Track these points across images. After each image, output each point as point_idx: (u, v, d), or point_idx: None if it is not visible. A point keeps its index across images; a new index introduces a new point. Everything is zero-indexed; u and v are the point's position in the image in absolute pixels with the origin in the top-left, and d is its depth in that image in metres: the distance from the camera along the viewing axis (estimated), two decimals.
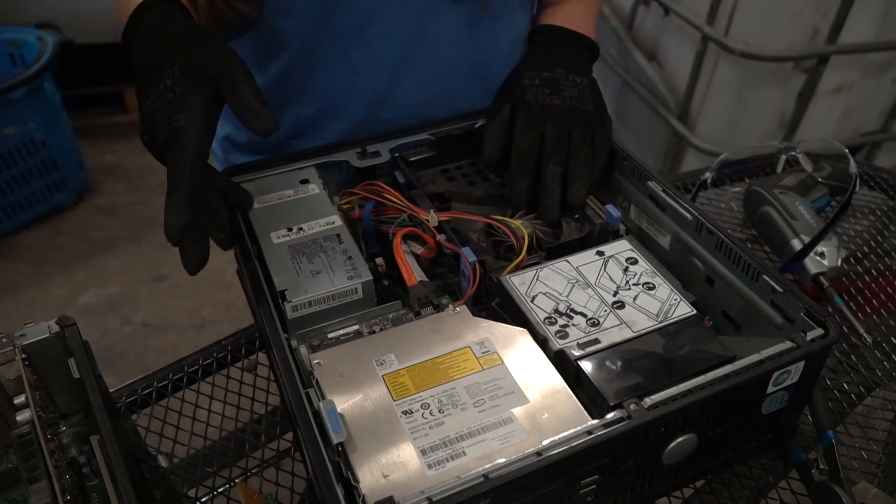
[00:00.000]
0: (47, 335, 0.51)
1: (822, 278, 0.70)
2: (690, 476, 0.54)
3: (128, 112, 2.80)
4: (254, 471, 0.56)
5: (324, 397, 0.47)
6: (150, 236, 2.27)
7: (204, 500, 0.54)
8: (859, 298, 0.72)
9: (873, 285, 0.73)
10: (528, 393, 0.48)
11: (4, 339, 0.51)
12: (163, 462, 0.54)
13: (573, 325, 0.52)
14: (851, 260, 0.76)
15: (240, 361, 0.64)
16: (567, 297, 0.54)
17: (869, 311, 0.71)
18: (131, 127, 2.77)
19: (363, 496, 0.42)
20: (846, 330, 0.68)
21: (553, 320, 0.52)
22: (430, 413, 0.47)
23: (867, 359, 0.66)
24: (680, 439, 0.48)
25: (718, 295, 0.59)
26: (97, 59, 2.55)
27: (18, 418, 0.46)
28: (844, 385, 0.64)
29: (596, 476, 0.47)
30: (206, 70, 0.50)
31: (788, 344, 0.50)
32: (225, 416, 0.60)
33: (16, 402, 0.48)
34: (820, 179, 0.79)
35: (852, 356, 0.66)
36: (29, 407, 0.47)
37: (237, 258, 0.65)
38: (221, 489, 0.55)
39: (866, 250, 0.77)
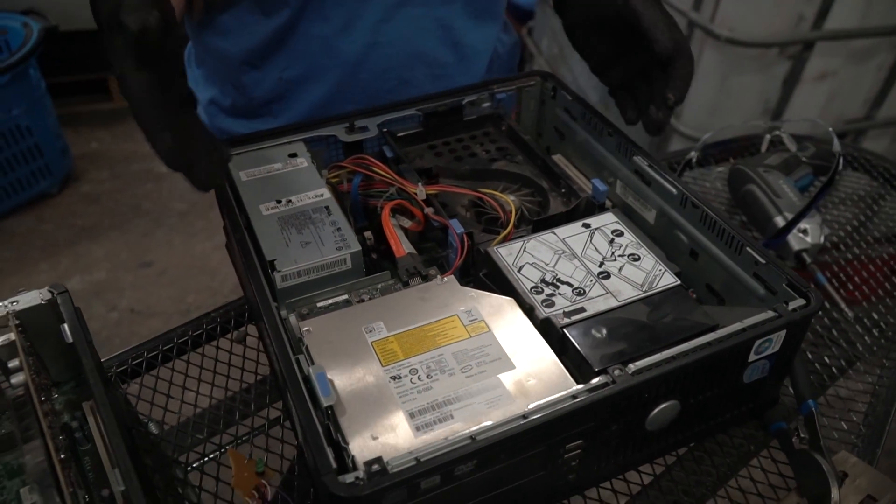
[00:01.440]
0: (39, 302, 0.52)
1: (804, 255, 0.71)
2: (673, 443, 0.55)
3: (112, 99, 2.78)
4: (244, 438, 0.57)
5: (313, 363, 0.48)
6: (134, 223, 2.25)
7: (195, 465, 0.55)
8: (842, 291, 0.73)
9: (856, 278, 0.73)
10: (514, 359, 0.48)
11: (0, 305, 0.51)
12: (153, 429, 0.55)
13: (559, 294, 0.53)
14: (841, 247, 0.77)
15: (229, 333, 0.64)
16: (553, 267, 0.55)
17: (852, 300, 0.72)
18: (115, 115, 2.75)
19: (353, 457, 0.43)
20: (828, 305, 0.69)
21: (539, 290, 0.53)
22: (419, 378, 0.47)
23: (848, 333, 0.67)
24: (663, 405, 0.49)
25: (702, 268, 0.60)
26: (81, 46, 2.52)
27: (13, 381, 0.47)
28: (825, 359, 0.65)
29: (580, 441, 0.48)
30: None
31: (770, 313, 0.51)
32: (215, 386, 0.60)
33: (10, 365, 0.48)
34: (804, 159, 0.80)
35: (833, 331, 0.68)
36: (23, 370, 0.47)
37: (226, 231, 0.65)
38: (212, 455, 0.55)
39: (849, 242, 0.78)
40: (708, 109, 1.56)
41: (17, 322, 0.51)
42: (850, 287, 0.72)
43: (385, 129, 0.70)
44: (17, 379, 0.47)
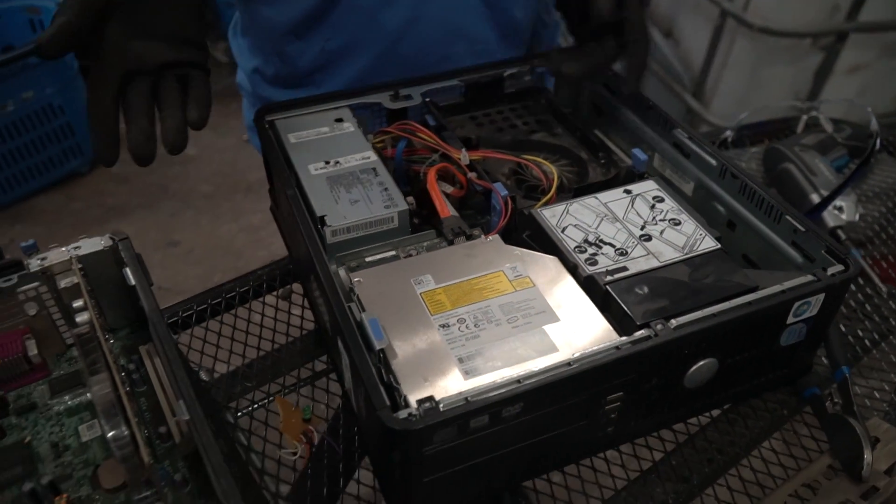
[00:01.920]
0: (101, 248, 0.54)
1: (839, 231, 0.72)
2: (708, 404, 0.56)
3: None
4: (290, 388, 0.59)
5: (364, 311, 0.50)
6: (162, 204, 2.29)
7: (244, 412, 0.57)
8: (875, 269, 0.73)
9: (890, 257, 0.74)
10: (558, 313, 0.50)
11: (63, 250, 0.53)
12: (204, 376, 0.57)
13: (602, 254, 0.54)
14: (876, 227, 0.77)
15: (274, 291, 0.66)
16: (596, 229, 0.56)
17: (886, 278, 0.72)
18: None
19: (404, 396, 0.44)
20: (861, 281, 0.70)
21: (583, 249, 0.54)
22: (466, 327, 0.49)
23: (881, 308, 0.68)
24: (701, 363, 0.51)
25: (739, 239, 0.61)
26: None
27: (78, 319, 0.49)
28: (859, 332, 0.66)
29: (621, 393, 0.49)
30: None
31: (809, 277, 0.52)
32: (262, 339, 0.62)
33: (74, 305, 0.50)
34: (840, 140, 0.80)
35: (867, 305, 0.68)
36: (87, 309, 0.49)
37: (272, 193, 0.67)
38: (261, 403, 0.57)
39: (884, 223, 0.78)
40: (737, 99, 1.56)
41: (80, 266, 0.53)
42: (885, 265, 0.73)
43: (428, 99, 0.72)
44: (81, 317, 0.49)
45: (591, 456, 0.54)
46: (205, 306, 0.64)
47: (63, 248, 0.54)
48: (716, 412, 0.58)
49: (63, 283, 0.53)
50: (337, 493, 0.53)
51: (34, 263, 0.53)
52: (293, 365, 0.60)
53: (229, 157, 2.50)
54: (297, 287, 0.67)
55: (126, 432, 0.43)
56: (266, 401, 0.58)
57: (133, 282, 0.51)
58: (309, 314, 0.65)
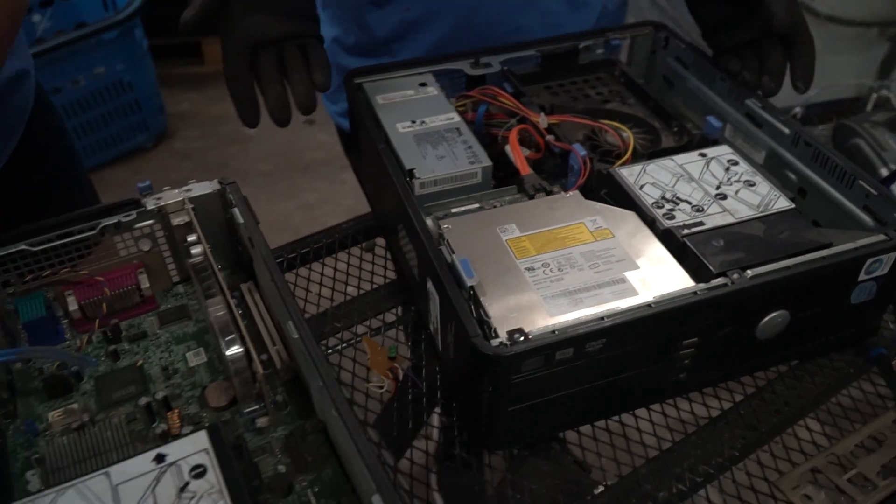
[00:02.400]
0: (210, 191, 0.58)
1: None
2: (778, 357, 0.59)
3: (204, 63, 2.90)
4: (376, 330, 0.63)
5: (454, 253, 0.53)
6: None
7: (334, 349, 0.61)
8: None
9: None
10: (638, 261, 0.53)
11: (175, 192, 0.58)
12: None
13: (679, 210, 0.57)
14: None
15: (358, 244, 0.70)
16: (673, 187, 0.59)
17: None
18: (207, 78, 2.87)
19: (494, 329, 0.48)
20: None
21: (660, 205, 0.57)
22: (550, 270, 0.52)
23: None
24: (773, 314, 0.53)
25: (810, 205, 0.63)
26: (179, 11, 2.65)
27: (192, 251, 0.53)
28: None
29: (695, 339, 0.52)
30: None
31: (882, 237, 0.54)
32: (348, 285, 0.66)
33: (188, 239, 0.54)
34: None
35: None
36: (200, 242, 0.54)
37: (360, 150, 0.71)
38: (349, 342, 0.61)
39: None
40: (795, 96, 1.55)
41: (192, 206, 0.57)
42: None
43: (506, 68, 0.75)
44: (196, 250, 0.54)
45: (663, 401, 0.57)
46: (294, 255, 0.68)
47: (176, 190, 0.58)
48: (783, 368, 0.60)
49: (175, 221, 0.58)
50: (420, 423, 0.57)
51: (150, 202, 0.57)
52: (378, 309, 0.64)
53: (288, 137, 2.56)
54: (379, 241, 0.71)
55: (241, 349, 0.48)
56: (354, 339, 0.61)
57: (241, 220, 0.55)
58: (392, 266, 0.68)
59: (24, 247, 0.54)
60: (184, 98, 2.77)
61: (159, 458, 0.41)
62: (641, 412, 0.57)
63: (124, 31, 2.18)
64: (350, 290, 0.66)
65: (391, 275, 0.68)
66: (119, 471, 0.41)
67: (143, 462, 0.41)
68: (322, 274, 0.67)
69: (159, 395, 0.52)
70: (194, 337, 0.58)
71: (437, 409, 0.59)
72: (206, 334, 0.58)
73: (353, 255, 0.69)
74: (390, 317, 0.64)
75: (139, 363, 0.56)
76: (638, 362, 0.51)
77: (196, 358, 0.57)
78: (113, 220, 0.56)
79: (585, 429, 0.56)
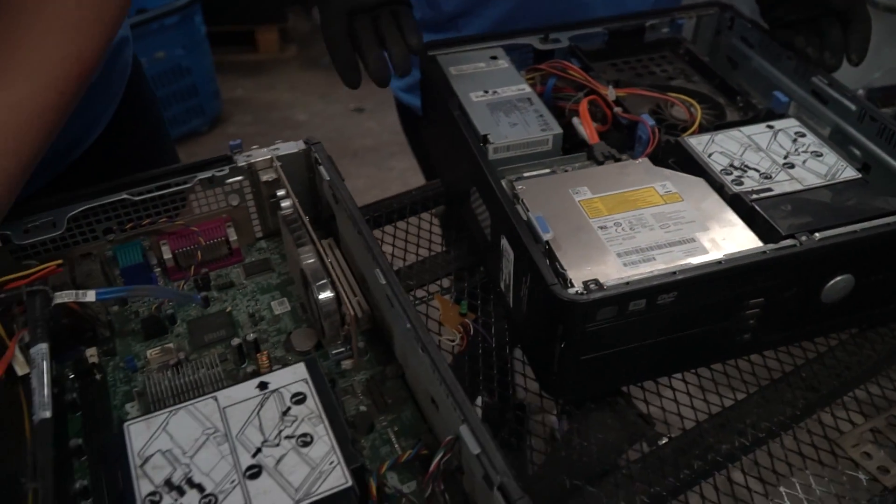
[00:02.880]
0: (296, 150, 0.62)
1: None
2: (841, 322, 0.60)
3: (257, 51, 2.97)
4: (447, 289, 0.66)
5: (529, 210, 0.56)
6: None
7: None
8: None
9: None
10: (707, 223, 0.55)
11: (264, 150, 0.61)
12: None
13: (747, 177, 0.58)
14: None
15: (428, 210, 0.73)
16: (741, 156, 0.61)
17: None
18: (259, 65, 2.94)
19: (570, 279, 0.50)
20: None
21: (728, 172, 0.59)
22: (623, 229, 0.54)
23: None
24: (839, 278, 0.54)
25: (874, 181, 0.64)
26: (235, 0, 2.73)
27: (283, 204, 0.57)
28: None
29: (762, 298, 0.54)
30: None
31: None
32: (419, 247, 0.69)
33: (278, 193, 0.58)
34: None
35: None
36: (290, 196, 0.57)
37: (412, 128, 0.74)
38: (422, 299, 0.64)
39: None
40: (856, 80, 1.54)
41: (280, 164, 0.61)
42: None
43: (574, 44, 0.77)
44: (286, 203, 0.57)
45: (726, 360, 0.59)
46: (367, 218, 0.71)
47: (264, 149, 0.62)
48: (843, 336, 0.61)
49: (264, 177, 0.61)
50: (491, 375, 0.59)
51: (241, 159, 0.61)
52: (448, 270, 0.67)
53: (337, 124, 2.61)
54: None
55: (332, 294, 0.51)
56: (426, 298, 0.64)
57: (327, 177, 0.58)
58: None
59: (125, 196, 0.58)
60: (237, 84, 2.84)
61: (262, 386, 0.45)
62: (704, 371, 0.59)
63: (185, 17, 2.25)
64: (421, 251, 0.69)
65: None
66: (226, 395, 0.44)
67: (247, 389, 0.45)
68: (394, 236, 0.70)
69: (250, 338, 0.55)
70: (278, 288, 0.62)
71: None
72: (289, 286, 0.62)
73: (424, 220, 0.72)
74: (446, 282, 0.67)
75: (228, 310, 0.60)
76: (705, 319, 0.53)
77: (280, 307, 0.60)
78: (207, 174, 0.60)
79: (649, 385, 0.58)
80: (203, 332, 0.58)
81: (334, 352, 0.53)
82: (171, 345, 0.57)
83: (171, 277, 0.62)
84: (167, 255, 0.61)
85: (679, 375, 0.58)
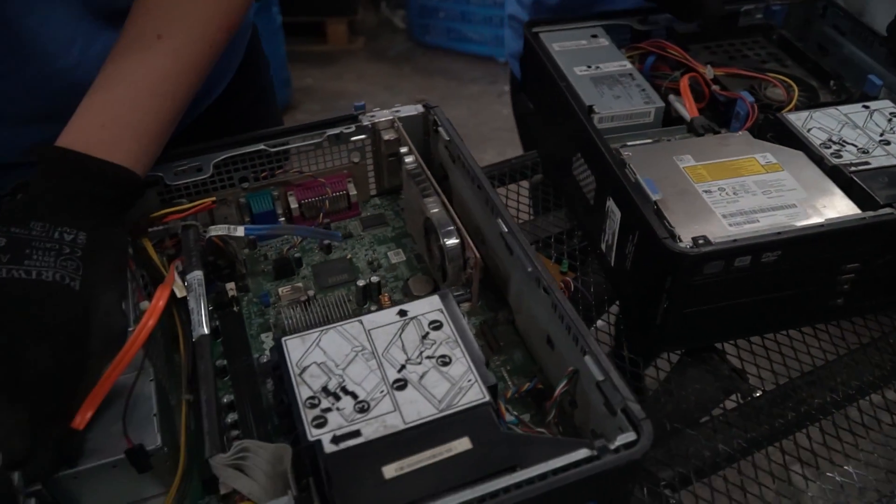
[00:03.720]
0: (415, 113, 0.67)
1: None
2: None
3: (326, 42, 3.05)
4: (547, 250, 0.70)
5: (637, 174, 0.59)
6: None
7: None
8: None
9: None
10: (807, 191, 0.58)
11: (385, 111, 0.66)
12: None
13: (845, 151, 0.61)
14: None
15: (525, 179, 0.77)
16: (838, 132, 0.64)
17: None
18: (328, 56, 3.01)
19: (678, 235, 0.54)
20: None
21: (827, 146, 0.62)
22: (727, 194, 0.58)
23: None
24: None
25: None
26: None
27: (407, 160, 0.61)
28: None
29: (857, 264, 0.57)
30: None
31: None
32: (520, 210, 0.73)
33: (401, 151, 0.63)
34: None
35: None
36: (412, 152, 0.62)
37: (530, 95, 0.78)
38: None
39: None
40: None
41: (399, 124, 0.66)
42: None
43: (670, 26, 0.81)
44: (409, 158, 0.62)
45: (818, 323, 0.62)
46: None
47: (386, 111, 0.67)
48: None
49: (385, 136, 0.66)
50: (589, 326, 0.63)
51: (365, 119, 0.66)
52: (548, 233, 0.71)
53: None
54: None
55: (458, 239, 0.56)
56: None
57: (447, 137, 0.63)
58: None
59: (262, 146, 0.63)
60: (307, 74, 2.92)
61: (402, 313, 0.50)
62: (795, 334, 0.62)
63: (263, 6, 2.33)
64: (522, 215, 0.73)
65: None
66: (369, 319, 0.49)
67: (389, 315, 0.50)
68: None
69: (373, 280, 0.60)
70: (393, 240, 0.67)
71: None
72: (404, 238, 0.67)
73: (522, 187, 0.77)
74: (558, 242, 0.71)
75: (348, 257, 0.65)
76: (802, 281, 0.56)
77: (396, 257, 0.65)
78: (336, 130, 0.65)
79: (743, 343, 0.62)
80: (327, 276, 0.63)
81: (456, 294, 0.58)
82: (299, 284, 0.62)
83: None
84: (294, 204, 0.66)
85: (771, 336, 0.62)
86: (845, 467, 0.54)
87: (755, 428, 0.55)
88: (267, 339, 0.59)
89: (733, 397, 0.59)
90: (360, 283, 0.60)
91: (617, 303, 0.66)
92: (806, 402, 0.57)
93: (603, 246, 0.64)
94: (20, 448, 0.42)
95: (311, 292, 0.61)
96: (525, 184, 0.79)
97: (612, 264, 0.63)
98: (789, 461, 0.54)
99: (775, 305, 0.58)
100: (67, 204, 0.49)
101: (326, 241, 0.65)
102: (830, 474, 0.54)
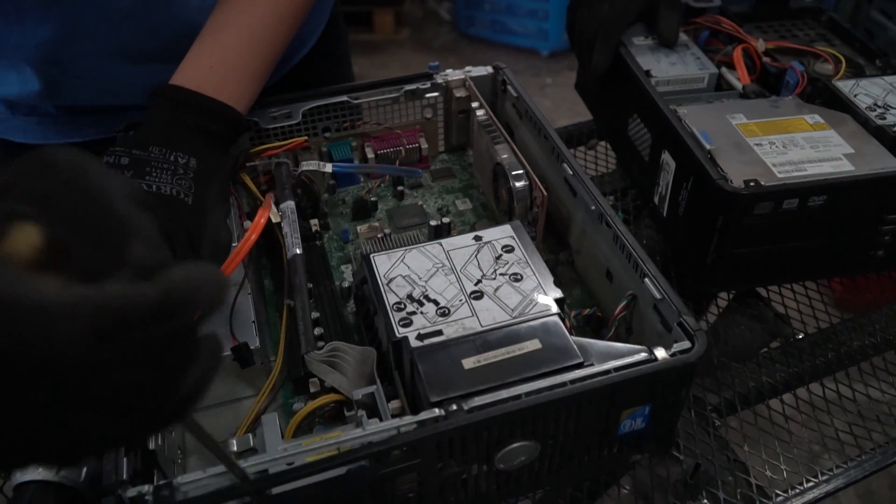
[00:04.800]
0: (485, 73, 0.72)
1: None
2: None
3: (373, 32, 3.12)
4: None
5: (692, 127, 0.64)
6: None
7: None
8: None
9: None
10: (852, 147, 0.62)
11: (458, 72, 0.72)
12: None
13: (889, 114, 0.65)
14: None
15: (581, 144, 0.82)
16: (883, 98, 0.68)
17: None
18: (374, 45, 3.09)
19: (731, 180, 0.58)
20: None
21: (873, 109, 0.66)
22: (776, 147, 0.62)
23: None
24: None
25: None
26: None
27: (478, 113, 0.67)
28: None
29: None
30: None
31: None
32: None
33: (472, 105, 0.68)
34: None
35: None
36: (483, 106, 0.67)
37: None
38: None
39: None
40: None
41: (471, 82, 0.71)
42: None
43: (723, 5, 0.85)
44: (480, 112, 0.67)
45: (859, 274, 0.66)
46: None
47: (458, 71, 0.72)
48: None
49: (457, 94, 0.72)
50: None
51: (439, 78, 0.72)
52: (603, 191, 0.76)
53: None
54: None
55: (527, 182, 0.61)
56: None
57: (515, 94, 0.69)
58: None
59: (346, 98, 0.69)
60: (354, 62, 2.97)
61: (477, 238, 0.55)
62: (836, 285, 0.66)
63: None
64: None
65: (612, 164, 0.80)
66: (448, 242, 0.55)
67: (465, 239, 0.55)
68: None
69: (444, 221, 0.66)
70: (460, 190, 0.72)
71: None
72: (470, 189, 0.72)
73: (579, 151, 0.82)
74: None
75: (420, 203, 0.71)
76: (847, 229, 0.61)
77: (463, 205, 0.71)
78: (412, 86, 0.71)
79: (786, 292, 0.66)
80: (400, 218, 0.69)
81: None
82: (376, 223, 0.68)
83: (371, 176, 0.73)
84: (370, 154, 0.72)
85: (813, 284, 0.66)
86: (882, 404, 0.58)
87: (797, 364, 0.60)
88: (347, 270, 0.65)
89: (777, 340, 0.63)
90: (433, 223, 0.66)
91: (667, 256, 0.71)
92: (846, 344, 0.61)
93: (656, 199, 0.69)
94: None
95: (387, 230, 0.67)
96: (581, 149, 0.84)
97: (665, 215, 0.68)
98: (829, 395, 0.58)
99: (819, 252, 0.62)
100: (180, 134, 0.55)
101: (400, 188, 0.71)
102: (866, 413, 0.58)
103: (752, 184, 0.57)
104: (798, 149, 0.62)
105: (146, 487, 0.40)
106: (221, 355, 0.32)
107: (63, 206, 0.26)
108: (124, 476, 0.41)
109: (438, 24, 3.23)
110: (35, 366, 0.23)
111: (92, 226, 0.27)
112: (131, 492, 0.40)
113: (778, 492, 0.51)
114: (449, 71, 0.73)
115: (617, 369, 0.45)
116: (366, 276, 0.53)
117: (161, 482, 0.40)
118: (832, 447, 0.55)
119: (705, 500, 0.51)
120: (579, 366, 0.46)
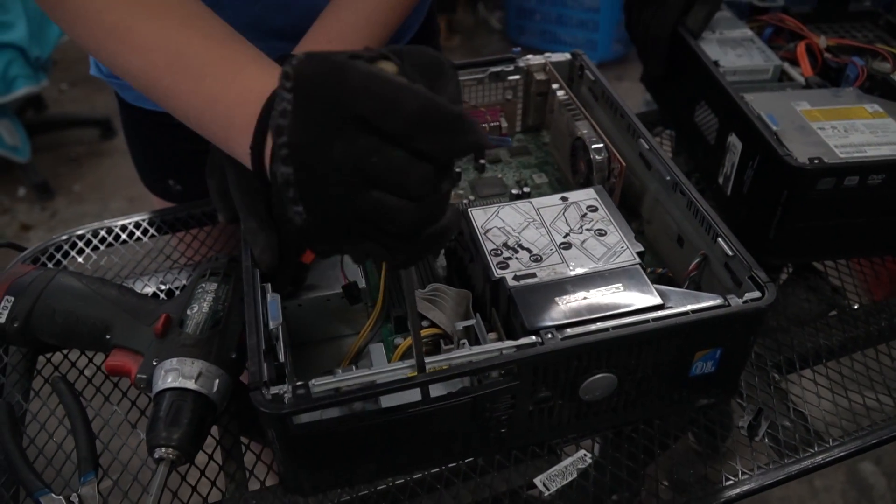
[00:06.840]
0: (563, 59, 0.78)
1: None
2: None
3: None
4: None
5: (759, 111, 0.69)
6: None
7: None
8: None
9: None
10: None
11: (539, 56, 0.78)
12: None
13: None
14: None
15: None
16: None
17: None
18: None
19: (796, 157, 0.63)
20: None
21: None
22: (838, 131, 0.67)
23: None
24: None
25: None
26: None
27: (559, 93, 0.73)
28: None
29: None
30: None
31: None
32: None
33: (553, 87, 0.74)
34: None
35: None
36: (563, 88, 0.73)
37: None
38: None
39: None
40: None
41: (551, 66, 0.77)
42: None
43: (786, 4, 0.90)
44: (560, 92, 0.73)
45: None
46: None
47: (539, 56, 0.79)
48: None
49: (537, 77, 0.78)
50: None
51: (521, 62, 0.78)
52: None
53: None
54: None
55: (606, 154, 0.67)
56: None
57: (593, 77, 0.74)
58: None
59: None
60: None
61: (564, 199, 0.61)
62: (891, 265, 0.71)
63: None
64: None
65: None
66: (538, 201, 0.61)
67: (552, 199, 0.61)
68: None
69: (525, 190, 0.72)
70: (536, 166, 0.78)
71: None
72: (546, 165, 0.78)
73: None
74: None
75: (499, 176, 0.77)
76: (888, 210, 0.65)
77: (540, 179, 0.77)
78: (497, 68, 0.77)
79: (843, 269, 0.71)
80: (482, 188, 0.75)
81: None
82: (461, 191, 0.74)
83: None
84: None
85: (867, 262, 0.70)
86: None
87: (853, 331, 0.64)
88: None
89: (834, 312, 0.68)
90: (514, 191, 0.72)
91: None
92: None
93: (720, 179, 0.74)
94: (270, 263, 0.55)
95: (471, 197, 0.73)
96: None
97: (729, 193, 0.73)
98: (883, 360, 0.63)
99: (877, 229, 0.66)
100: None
101: (482, 161, 0.77)
102: None
103: (816, 161, 0.62)
104: (858, 133, 0.67)
105: (285, 386, 0.46)
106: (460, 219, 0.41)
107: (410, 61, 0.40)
108: (265, 378, 0.47)
109: (489, 34, 3.30)
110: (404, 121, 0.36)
111: (424, 71, 0.40)
112: (274, 389, 0.46)
113: (834, 437, 0.56)
114: (530, 56, 0.79)
115: (694, 311, 0.51)
116: (461, 230, 0.59)
117: (297, 383, 0.46)
118: (886, 404, 0.59)
119: (767, 440, 0.56)
120: (660, 307, 0.52)
